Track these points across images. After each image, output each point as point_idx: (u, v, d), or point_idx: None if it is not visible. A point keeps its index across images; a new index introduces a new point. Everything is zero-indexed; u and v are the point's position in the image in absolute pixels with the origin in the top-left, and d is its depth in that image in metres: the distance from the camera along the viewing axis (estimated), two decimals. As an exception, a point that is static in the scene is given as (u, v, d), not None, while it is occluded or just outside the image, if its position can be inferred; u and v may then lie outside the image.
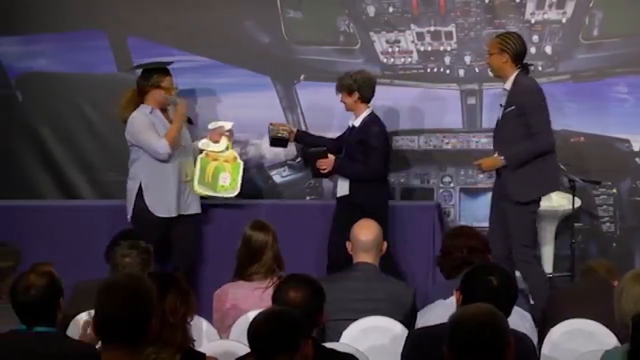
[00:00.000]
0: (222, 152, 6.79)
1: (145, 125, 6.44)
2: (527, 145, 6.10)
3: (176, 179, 6.51)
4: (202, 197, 6.71)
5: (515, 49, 6.16)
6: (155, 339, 3.42)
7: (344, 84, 6.66)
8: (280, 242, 5.15)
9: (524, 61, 6.22)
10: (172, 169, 6.50)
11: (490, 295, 3.49)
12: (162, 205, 6.45)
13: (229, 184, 6.77)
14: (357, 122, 6.67)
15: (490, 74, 6.49)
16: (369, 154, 6.59)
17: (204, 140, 6.80)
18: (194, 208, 6.64)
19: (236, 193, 6.78)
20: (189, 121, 6.71)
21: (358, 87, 6.62)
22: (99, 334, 3.10)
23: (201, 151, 6.77)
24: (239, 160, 6.83)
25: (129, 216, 6.51)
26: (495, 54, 6.19)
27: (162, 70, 6.57)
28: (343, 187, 6.68)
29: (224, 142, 6.81)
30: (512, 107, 6.13)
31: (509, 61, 6.15)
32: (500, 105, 6.25)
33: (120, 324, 3.01)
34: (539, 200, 6.25)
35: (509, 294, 3.68)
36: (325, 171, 6.67)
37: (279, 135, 6.85)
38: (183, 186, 6.56)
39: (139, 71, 6.68)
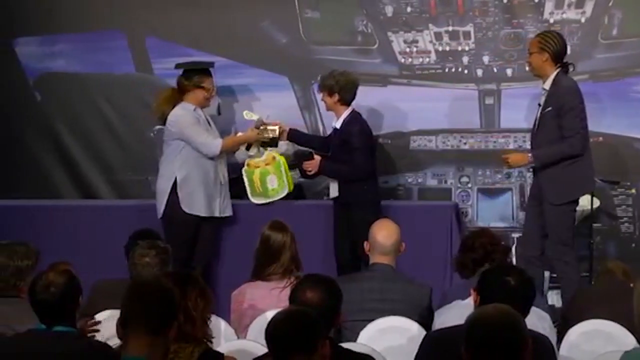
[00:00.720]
0: (261, 158, 6.84)
1: (194, 121, 6.52)
2: (557, 147, 6.11)
3: (212, 178, 6.56)
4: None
5: (555, 48, 6.17)
6: (178, 335, 3.47)
7: (326, 83, 6.68)
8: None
9: (564, 60, 6.21)
10: (207, 168, 6.55)
11: (507, 296, 3.49)
12: (193, 203, 6.47)
13: (277, 185, 6.84)
14: (338, 124, 6.71)
15: (530, 73, 6.43)
16: (352, 154, 6.61)
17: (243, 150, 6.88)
18: (229, 211, 6.68)
19: (287, 191, 6.83)
20: (218, 112, 6.81)
21: (339, 89, 6.65)
22: (123, 322, 3.16)
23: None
24: (277, 158, 6.85)
25: (160, 213, 6.50)
26: (535, 52, 6.20)
27: (203, 71, 6.64)
28: (334, 189, 6.73)
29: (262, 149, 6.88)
30: (550, 108, 6.13)
31: (549, 60, 6.16)
32: (539, 104, 6.26)
33: (148, 307, 3.16)
34: (576, 200, 6.26)
35: (526, 294, 3.68)
36: (311, 172, 6.72)
37: (265, 138, 6.84)
38: (220, 188, 6.61)
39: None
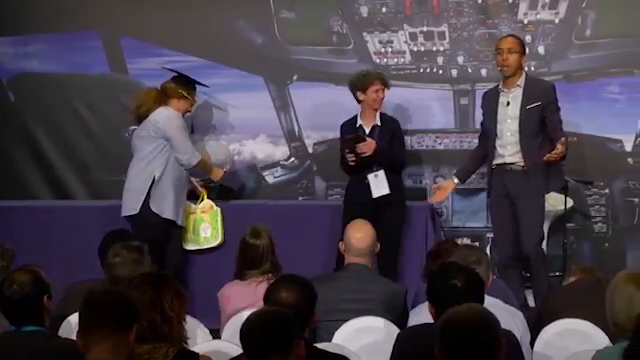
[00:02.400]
0: (198, 204, 6.86)
1: (183, 125, 6.55)
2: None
3: (185, 187, 6.61)
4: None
5: (525, 50, 6.43)
6: (154, 336, 3.47)
7: (387, 80, 6.74)
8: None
9: None
10: (184, 177, 6.61)
11: (457, 298, 3.47)
12: (165, 207, 6.45)
13: (210, 234, 6.86)
14: (378, 121, 6.70)
15: (498, 73, 6.51)
16: (401, 145, 6.80)
17: None
18: (183, 222, 6.68)
19: (219, 241, 6.82)
20: (192, 130, 6.86)
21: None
22: (84, 330, 3.19)
23: None
24: (215, 207, 6.86)
25: (132, 213, 6.45)
26: (518, 53, 6.34)
27: (194, 85, 6.73)
28: (381, 187, 6.62)
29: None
30: (538, 103, 6.27)
31: (521, 62, 6.38)
32: (508, 103, 6.33)
33: (105, 308, 3.21)
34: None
35: (475, 292, 3.67)
36: (366, 154, 6.55)
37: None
38: (184, 198, 6.64)
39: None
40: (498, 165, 6.45)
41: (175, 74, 6.75)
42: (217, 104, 7.51)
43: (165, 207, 6.45)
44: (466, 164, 6.72)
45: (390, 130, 6.71)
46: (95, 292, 3.37)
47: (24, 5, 7.73)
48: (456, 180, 6.66)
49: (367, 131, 6.67)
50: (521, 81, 6.36)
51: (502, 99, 6.41)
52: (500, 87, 6.46)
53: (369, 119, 6.68)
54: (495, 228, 6.65)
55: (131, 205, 6.46)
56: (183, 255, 6.78)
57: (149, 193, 6.42)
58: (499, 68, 6.41)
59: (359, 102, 6.69)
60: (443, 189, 6.69)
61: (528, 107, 6.31)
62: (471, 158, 6.74)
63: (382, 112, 6.75)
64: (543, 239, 6.49)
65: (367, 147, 6.54)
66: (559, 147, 6.13)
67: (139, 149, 6.54)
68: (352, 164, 6.55)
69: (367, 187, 6.58)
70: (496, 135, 6.41)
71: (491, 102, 6.48)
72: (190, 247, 6.82)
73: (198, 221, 6.84)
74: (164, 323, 3.56)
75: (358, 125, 6.69)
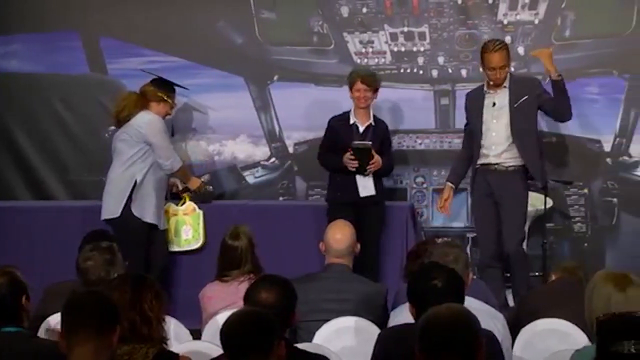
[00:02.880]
0: (179, 205, 6.84)
1: (166, 131, 6.57)
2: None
3: (164, 191, 6.61)
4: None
5: None
6: (133, 336, 3.47)
7: (378, 81, 6.71)
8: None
9: None
10: (165, 182, 6.61)
11: (437, 298, 3.48)
12: (146, 209, 6.44)
13: (191, 236, 6.84)
14: (372, 121, 6.69)
15: (485, 81, 6.56)
16: (389, 149, 6.82)
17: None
18: (163, 225, 6.65)
19: (200, 243, 6.80)
20: (172, 133, 6.85)
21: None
22: (66, 331, 3.17)
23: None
24: (197, 210, 6.85)
25: (113, 215, 6.43)
26: (507, 65, 6.42)
27: (172, 88, 6.70)
28: (368, 187, 6.61)
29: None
30: (526, 97, 6.37)
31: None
32: (493, 104, 6.38)
33: (88, 309, 3.20)
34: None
35: (456, 291, 3.69)
36: (373, 170, 6.57)
37: (202, 190, 6.93)
38: (163, 201, 6.63)
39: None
40: (482, 164, 6.48)
41: (154, 77, 6.72)
42: (197, 104, 7.50)
43: (146, 211, 6.44)
44: (456, 168, 6.71)
45: (382, 132, 6.71)
46: (78, 293, 3.36)
47: (2, 5, 7.69)
48: (452, 186, 6.66)
49: (361, 129, 6.64)
50: (506, 82, 6.42)
51: (488, 100, 6.44)
52: (485, 88, 6.48)
53: (362, 118, 6.65)
54: (478, 227, 6.68)
55: (112, 209, 6.44)
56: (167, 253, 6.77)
57: (130, 197, 6.40)
58: (490, 82, 6.45)
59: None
60: (447, 200, 6.67)
61: (516, 105, 6.37)
62: (459, 160, 6.73)
63: (373, 113, 6.73)
64: (524, 238, 6.52)
65: (376, 165, 6.53)
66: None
67: (119, 152, 6.52)
68: (353, 169, 6.52)
69: (354, 186, 6.58)
70: (481, 135, 6.43)
71: (476, 102, 6.50)
72: (171, 248, 6.80)
73: (180, 222, 6.83)
74: (143, 323, 3.56)
75: (352, 122, 6.65)
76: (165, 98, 6.60)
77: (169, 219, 6.78)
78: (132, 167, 6.46)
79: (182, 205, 6.85)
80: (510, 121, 6.38)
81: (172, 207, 6.81)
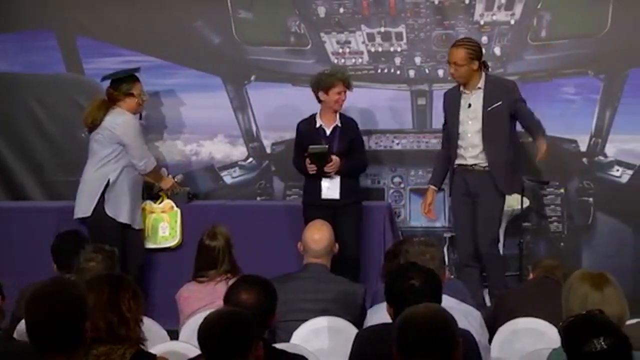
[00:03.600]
0: (157, 203, 6.84)
1: (139, 130, 6.53)
2: (540, 129, 6.31)
3: (139, 190, 6.59)
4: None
5: (481, 54, 6.39)
6: (111, 337, 3.45)
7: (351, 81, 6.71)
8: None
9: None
10: (139, 181, 6.59)
11: (415, 298, 3.50)
12: (121, 209, 6.43)
13: (168, 234, 6.84)
14: (338, 122, 6.67)
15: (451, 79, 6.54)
16: (362, 148, 6.82)
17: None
18: (140, 224, 6.64)
19: (177, 241, 6.80)
20: (140, 117, 6.70)
21: None
22: (33, 341, 3.12)
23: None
24: (175, 208, 6.85)
25: (85, 214, 6.42)
26: (465, 65, 6.31)
27: (131, 77, 6.59)
28: (332, 190, 6.59)
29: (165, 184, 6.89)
30: (500, 103, 6.31)
31: (479, 67, 6.36)
32: (469, 105, 6.37)
33: (51, 330, 3.07)
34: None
35: (433, 291, 3.70)
36: (331, 173, 6.56)
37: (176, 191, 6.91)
38: (140, 202, 6.62)
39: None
40: (459, 165, 6.48)
41: (110, 78, 6.67)
42: (175, 104, 7.48)
43: (120, 211, 6.42)
44: (437, 169, 6.68)
45: (350, 132, 6.70)
46: (39, 290, 3.28)
47: (-23, 4, 7.65)
48: (435, 189, 6.65)
49: (328, 132, 6.64)
50: (481, 83, 6.38)
51: (463, 101, 6.43)
52: (461, 88, 6.49)
53: (329, 120, 6.65)
54: (456, 226, 6.69)
55: (84, 208, 6.43)
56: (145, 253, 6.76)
57: (103, 196, 6.39)
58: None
59: (320, 101, 6.65)
60: (431, 204, 6.63)
61: (489, 109, 6.34)
62: (439, 161, 6.69)
63: (340, 112, 6.75)
64: (498, 240, 6.53)
65: (334, 167, 6.52)
66: (542, 147, 6.22)
67: (94, 152, 6.51)
68: (312, 172, 6.54)
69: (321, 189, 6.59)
70: (458, 135, 6.45)
71: (453, 102, 6.50)
72: (147, 245, 6.79)
73: (157, 220, 6.82)
74: (121, 324, 3.55)
75: (318, 125, 6.66)
76: (129, 92, 6.52)
77: (146, 217, 6.77)
78: (105, 167, 6.44)
79: (159, 203, 6.84)
80: (482, 125, 6.37)
81: (149, 204, 6.80)
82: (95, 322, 3.41)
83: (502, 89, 6.38)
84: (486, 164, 6.40)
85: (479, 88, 6.39)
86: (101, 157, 6.46)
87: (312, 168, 6.51)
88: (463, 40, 6.49)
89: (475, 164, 6.43)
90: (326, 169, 6.51)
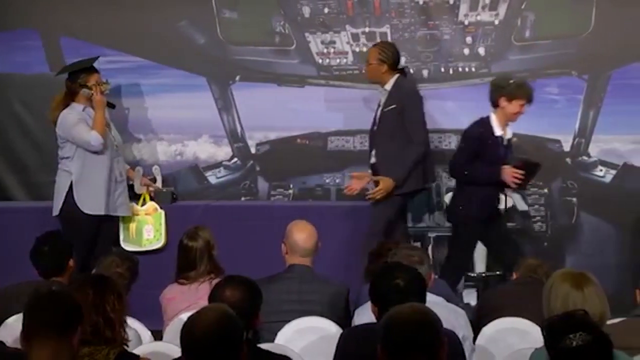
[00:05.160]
0: (139, 204, 6.80)
1: (76, 120, 6.44)
2: (407, 159, 6.40)
3: (106, 176, 6.49)
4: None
5: (392, 59, 6.53)
6: (96, 338, 3.46)
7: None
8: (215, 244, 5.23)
9: (400, 66, 6.60)
10: (102, 166, 6.48)
11: (400, 297, 3.51)
12: (91, 202, 6.42)
13: (153, 236, 6.82)
14: (510, 134, 6.62)
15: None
16: None
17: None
18: (123, 210, 6.61)
19: (162, 243, 6.78)
20: (110, 105, 6.61)
21: None
22: (27, 332, 3.14)
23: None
24: (159, 210, 6.83)
25: (55, 213, 6.46)
26: (374, 64, 6.50)
27: (88, 69, 6.54)
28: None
29: (139, 187, 6.83)
30: (393, 106, 6.41)
31: (388, 70, 6.49)
32: (378, 105, 6.51)
33: (49, 310, 3.18)
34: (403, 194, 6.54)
35: (418, 290, 3.71)
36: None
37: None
38: (114, 186, 6.54)
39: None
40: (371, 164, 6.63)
41: (64, 72, 6.64)
42: (159, 104, 7.47)
43: (92, 203, 6.41)
44: None
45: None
46: (40, 293, 3.34)
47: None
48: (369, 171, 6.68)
49: (505, 143, 6.43)
50: (389, 85, 6.51)
51: (380, 100, 6.58)
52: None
53: (504, 130, 6.40)
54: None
55: (55, 205, 6.48)
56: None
57: (71, 192, 6.39)
58: None
59: (496, 106, 6.40)
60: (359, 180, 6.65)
61: (385, 110, 6.47)
62: None
63: None
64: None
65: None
66: (380, 185, 6.36)
67: (59, 152, 6.55)
68: (515, 184, 6.33)
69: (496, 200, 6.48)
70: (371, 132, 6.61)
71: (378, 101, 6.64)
72: (132, 248, 6.77)
73: (141, 222, 6.80)
74: (106, 325, 3.55)
75: (498, 134, 6.38)
76: (84, 84, 6.47)
77: (130, 219, 6.75)
78: (68, 164, 6.46)
79: (142, 204, 6.82)
80: (377, 124, 6.50)
81: (133, 207, 6.78)
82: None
83: (400, 94, 6.47)
84: (375, 162, 6.55)
85: (385, 90, 6.52)
86: (62, 156, 6.51)
87: (517, 178, 6.30)
88: (381, 42, 6.76)
89: (373, 163, 6.59)
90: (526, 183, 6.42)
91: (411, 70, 6.78)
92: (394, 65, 6.52)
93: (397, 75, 6.52)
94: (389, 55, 6.50)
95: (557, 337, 3.00)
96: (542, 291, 3.83)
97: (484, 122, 6.38)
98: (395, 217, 6.55)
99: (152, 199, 6.86)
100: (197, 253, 5.15)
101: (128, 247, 6.77)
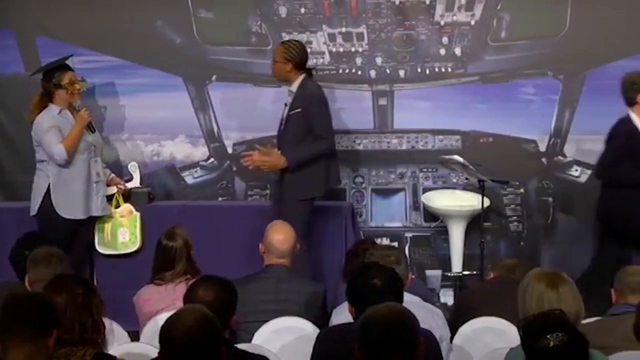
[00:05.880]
0: (113, 206, 6.75)
1: (48, 127, 6.38)
2: (308, 149, 6.39)
3: (83, 180, 6.45)
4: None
5: (297, 58, 6.50)
6: (82, 339, 3.44)
7: None
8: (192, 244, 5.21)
9: (308, 66, 6.56)
10: (79, 171, 6.44)
11: (377, 297, 3.51)
12: (69, 207, 6.38)
13: (128, 239, 6.76)
14: None
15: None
16: None
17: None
18: (102, 210, 6.58)
19: (138, 246, 6.73)
20: (91, 128, 6.55)
21: None
22: (2, 333, 3.15)
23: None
24: (134, 212, 6.78)
25: (32, 213, 6.42)
26: (279, 62, 6.49)
27: (62, 67, 6.50)
28: None
29: (111, 189, 6.76)
30: (299, 110, 6.41)
31: (293, 69, 6.48)
32: (285, 104, 6.50)
33: (25, 311, 3.17)
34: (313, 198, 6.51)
35: (395, 290, 3.72)
36: None
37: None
38: (93, 188, 6.50)
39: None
40: None
41: (37, 73, 6.60)
42: (135, 104, 7.44)
43: (70, 207, 6.37)
44: None
45: None
46: (16, 295, 3.33)
47: None
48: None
49: None
50: (295, 86, 6.51)
51: (287, 100, 6.57)
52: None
53: None
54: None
55: (33, 205, 6.43)
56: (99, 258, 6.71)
57: (48, 194, 6.35)
58: None
59: (633, 104, 6.26)
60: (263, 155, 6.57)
61: (291, 113, 6.46)
62: None
63: None
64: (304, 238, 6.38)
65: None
66: (270, 157, 6.36)
67: (36, 154, 6.51)
68: None
69: None
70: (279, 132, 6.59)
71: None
72: (107, 251, 6.74)
73: (116, 225, 6.75)
74: (94, 327, 3.55)
75: None
76: (59, 84, 6.42)
77: (105, 222, 6.71)
78: (45, 167, 6.42)
79: (115, 206, 6.77)
80: (283, 125, 6.50)
81: (109, 209, 6.74)
82: (69, 324, 3.41)
83: (305, 96, 6.46)
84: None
85: (291, 91, 6.51)
86: (39, 159, 6.47)
87: None
88: (288, 41, 6.69)
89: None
90: None
91: (314, 72, 6.71)
92: (299, 64, 6.48)
93: (302, 76, 6.51)
94: (294, 55, 6.48)
95: (534, 337, 3.02)
96: (517, 290, 3.85)
97: (626, 121, 6.25)
98: (310, 219, 6.50)
99: (125, 199, 6.81)
100: (176, 253, 5.13)
101: (103, 249, 6.74)
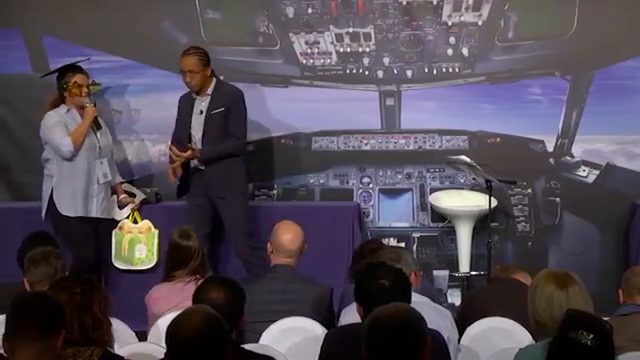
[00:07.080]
0: (130, 220, 6.78)
1: (55, 122, 6.43)
2: (221, 147, 6.47)
3: (84, 178, 6.46)
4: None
5: (209, 60, 6.57)
6: (84, 339, 3.45)
7: None
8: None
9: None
10: (80, 169, 6.46)
11: (385, 297, 3.51)
12: (67, 204, 6.40)
13: (145, 256, 6.79)
14: None
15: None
16: None
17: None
18: (105, 213, 6.59)
19: (154, 263, 6.74)
20: (97, 125, 6.58)
21: None
22: (9, 333, 3.13)
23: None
24: (153, 229, 6.80)
25: (42, 214, 6.47)
26: (199, 72, 6.50)
27: (72, 69, 6.53)
28: None
29: (126, 211, 6.79)
30: (221, 109, 6.47)
31: (210, 73, 6.55)
32: (201, 111, 6.52)
33: (32, 312, 3.16)
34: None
35: (402, 290, 3.72)
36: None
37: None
38: (96, 188, 6.51)
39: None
40: (194, 167, 6.59)
41: (49, 74, 6.65)
42: (143, 104, 7.44)
43: (64, 204, 6.38)
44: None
45: None
46: (23, 295, 3.33)
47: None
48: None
49: None
50: (210, 89, 6.54)
51: (196, 107, 6.57)
52: (194, 94, 6.59)
53: None
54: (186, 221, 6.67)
55: (43, 208, 6.48)
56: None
57: (53, 195, 6.40)
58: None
59: None
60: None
61: (212, 112, 6.49)
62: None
63: None
64: (251, 234, 6.56)
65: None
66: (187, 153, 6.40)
67: (43, 153, 6.55)
68: None
69: None
70: (190, 140, 6.55)
71: (185, 108, 6.64)
72: (123, 266, 6.77)
73: (134, 240, 6.77)
74: (95, 326, 3.54)
75: None
76: (68, 85, 6.46)
77: (123, 236, 6.74)
78: (49, 166, 6.47)
79: (133, 220, 6.77)
80: (203, 128, 6.50)
81: (127, 224, 6.76)
82: (69, 324, 3.41)
83: (227, 96, 6.53)
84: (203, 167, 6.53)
85: (208, 94, 6.53)
86: (44, 158, 6.52)
87: None
88: (191, 49, 6.66)
89: (203, 168, 6.54)
90: None
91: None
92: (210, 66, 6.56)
93: (215, 79, 6.57)
94: (208, 58, 6.56)
95: (573, 326, 3.03)
96: (523, 291, 3.84)
97: None
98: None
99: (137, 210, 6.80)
100: (193, 252, 5.11)
101: (119, 264, 6.77)
